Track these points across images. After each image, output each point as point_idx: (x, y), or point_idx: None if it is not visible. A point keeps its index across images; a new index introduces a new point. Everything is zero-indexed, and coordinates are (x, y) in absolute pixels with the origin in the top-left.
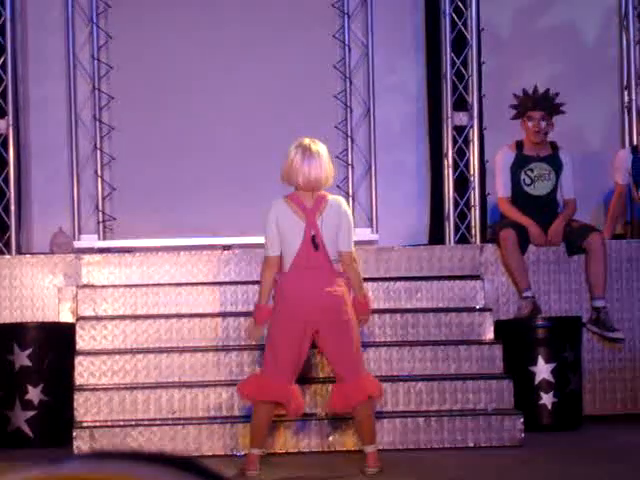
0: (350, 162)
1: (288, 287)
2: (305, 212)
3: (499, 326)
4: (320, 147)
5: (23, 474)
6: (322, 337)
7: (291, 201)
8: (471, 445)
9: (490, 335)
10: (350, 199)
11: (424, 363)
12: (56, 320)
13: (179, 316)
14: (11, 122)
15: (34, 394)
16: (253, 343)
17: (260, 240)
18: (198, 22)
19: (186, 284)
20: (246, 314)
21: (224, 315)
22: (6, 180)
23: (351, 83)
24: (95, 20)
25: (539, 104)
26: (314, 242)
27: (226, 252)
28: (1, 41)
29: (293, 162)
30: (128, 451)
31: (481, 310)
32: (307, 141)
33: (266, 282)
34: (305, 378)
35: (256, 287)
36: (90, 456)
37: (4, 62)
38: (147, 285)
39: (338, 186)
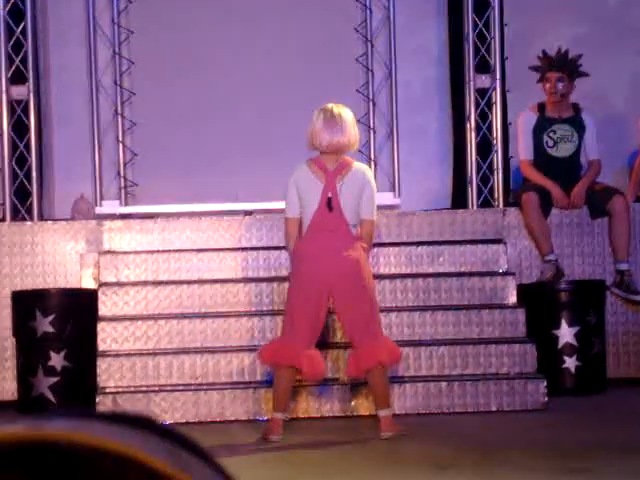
0: (372, 126)
1: (303, 250)
2: (326, 174)
3: (522, 290)
4: (344, 111)
5: (4, 427)
6: (337, 301)
7: (313, 164)
8: (494, 409)
9: (513, 299)
10: (372, 163)
11: (446, 327)
12: (78, 286)
13: (201, 282)
14: (32, 88)
15: (57, 360)
16: None
17: (282, 205)
18: None
19: (208, 250)
20: (268, 279)
21: (246, 281)
22: (27, 146)
23: (372, 46)
24: None
25: (555, 65)
26: (329, 204)
27: (248, 217)
28: (20, 6)
29: (316, 126)
30: (120, 414)
31: (504, 274)
32: (330, 105)
33: (290, 246)
34: (326, 343)
35: (278, 252)
36: (77, 415)
37: (24, 27)
38: (169, 251)
39: (360, 150)
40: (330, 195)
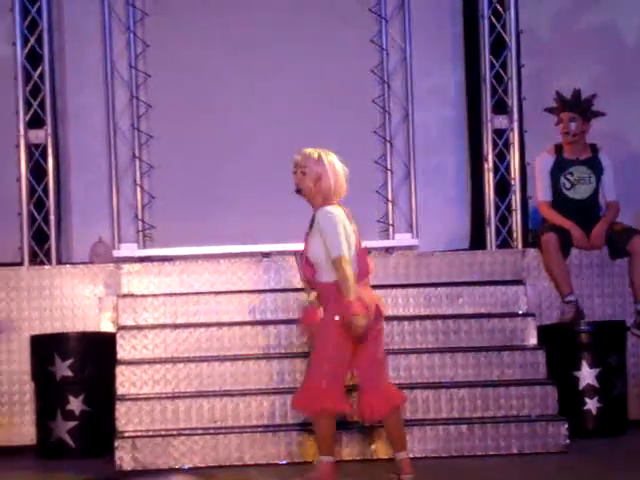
0: (389, 167)
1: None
2: (352, 224)
3: (542, 331)
4: None
5: None
6: (354, 345)
7: (344, 210)
8: (515, 452)
9: (533, 340)
10: (390, 204)
11: (466, 369)
12: (97, 330)
13: (219, 324)
14: (50, 132)
15: (75, 404)
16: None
17: (298, 247)
18: (234, 29)
19: (226, 292)
20: (286, 322)
21: (264, 323)
22: (45, 190)
23: (389, 87)
24: (132, 28)
25: (568, 106)
26: (365, 258)
27: (266, 259)
28: (39, 51)
29: (341, 173)
30: None
31: (524, 315)
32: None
33: (354, 287)
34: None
35: (295, 294)
36: None
37: (42, 72)
38: (187, 294)
39: (377, 191)
40: (363, 245)
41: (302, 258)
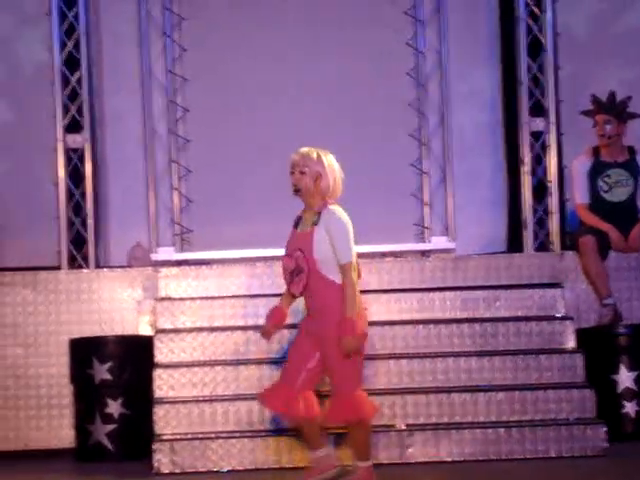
0: (425, 170)
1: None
2: None
3: (580, 334)
4: None
5: None
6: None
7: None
8: (553, 455)
9: (571, 343)
10: (426, 207)
11: (504, 373)
12: (135, 333)
13: (256, 327)
14: (87, 136)
15: (114, 408)
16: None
17: None
18: (270, 33)
19: (263, 295)
20: None
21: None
22: (83, 194)
23: (425, 90)
24: (169, 32)
25: (603, 108)
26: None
27: None
28: (76, 55)
29: (339, 174)
30: None
31: (562, 318)
32: None
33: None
34: (381, 390)
35: None
36: None
37: (80, 76)
38: (224, 297)
39: (413, 194)
40: None
41: (297, 254)
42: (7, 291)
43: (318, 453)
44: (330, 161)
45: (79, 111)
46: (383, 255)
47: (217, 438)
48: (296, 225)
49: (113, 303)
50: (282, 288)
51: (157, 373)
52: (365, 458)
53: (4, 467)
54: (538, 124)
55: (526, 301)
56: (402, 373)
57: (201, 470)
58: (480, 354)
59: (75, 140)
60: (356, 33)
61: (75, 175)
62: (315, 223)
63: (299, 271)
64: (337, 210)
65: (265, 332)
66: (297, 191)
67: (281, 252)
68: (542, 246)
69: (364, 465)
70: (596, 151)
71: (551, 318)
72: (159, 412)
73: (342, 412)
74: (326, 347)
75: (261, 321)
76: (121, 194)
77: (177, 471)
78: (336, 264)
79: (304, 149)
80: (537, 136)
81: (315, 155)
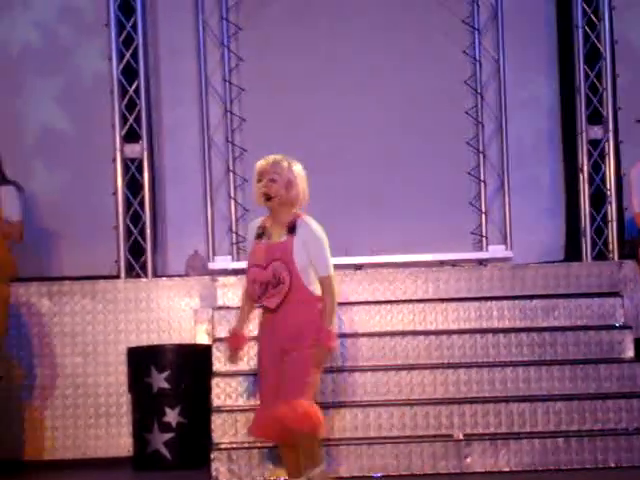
0: (482, 178)
1: None
2: None
3: (639, 344)
4: None
5: None
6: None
7: None
8: (612, 465)
9: (630, 353)
10: (483, 215)
11: (563, 382)
12: (192, 342)
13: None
14: (145, 146)
15: (172, 416)
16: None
17: (390, 259)
18: (326, 42)
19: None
20: (381, 334)
21: (355, 336)
22: (141, 204)
23: (482, 98)
24: (226, 43)
25: None
26: None
27: (358, 272)
28: (134, 66)
29: (305, 181)
30: None
31: (621, 328)
32: None
33: None
34: (439, 399)
35: (389, 306)
36: None
37: (137, 86)
38: None
39: (471, 203)
40: None
41: (276, 265)
42: (66, 300)
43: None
44: (299, 169)
45: (137, 121)
46: (440, 264)
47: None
48: (260, 236)
49: (171, 312)
50: (337, 297)
51: (215, 382)
52: (316, 464)
53: (63, 476)
54: (596, 132)
55: (585, 310)
56: (460, 382)
57: (259, 479)
58: (538, 364)
59: (133, 150)
60: (413, 41)
61: (133, 185)
62: (291, 233)
63: (277, 283)
64: (313, 221)
65: (232, 360)
66: (268, 199)
67: (337, 260)
68: (600, 255)
69: (318, 470)
70: None
71: (610, 327)
72: (217, 421)
73: (296, 421)
74: (293, 355)
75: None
76: (178, 203)
77: None
78: (312, 275)
79: (272, 156)
80: (595, 144)
81: (285, 163)
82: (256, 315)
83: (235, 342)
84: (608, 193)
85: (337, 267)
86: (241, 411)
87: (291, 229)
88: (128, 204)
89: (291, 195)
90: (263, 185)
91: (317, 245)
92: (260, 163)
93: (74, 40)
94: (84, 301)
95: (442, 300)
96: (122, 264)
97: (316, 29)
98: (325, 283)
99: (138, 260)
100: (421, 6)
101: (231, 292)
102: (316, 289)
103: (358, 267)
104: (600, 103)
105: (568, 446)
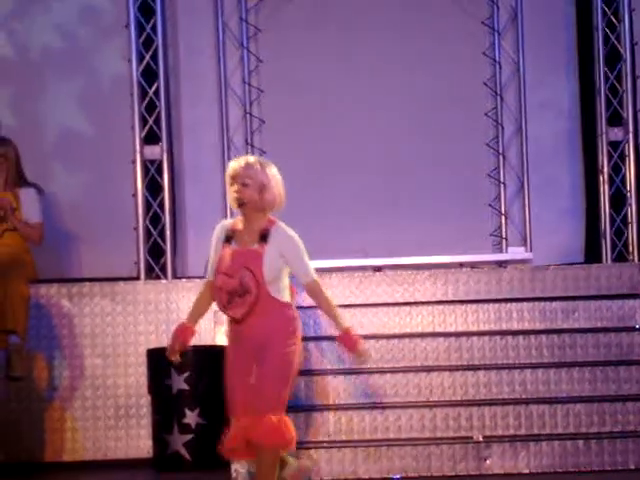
0: (502, 180)
1: None
2: None
3: None
4: None
5: None
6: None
7: None
8: (632, 467)
9: None
10: (503, 217)
11: (582, 384)
12: (212, 343)
13: (331, 338)
14: (165, 147)
15: (191, 418)
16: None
17: (409, 260)
18: (345, 44)
19: (338, 306)
20: (400, 336)
21: (377, 337)
22: (161, 205)
23: (502, 100)
24: (246, 44)
25: None
26: None
27: (378, 273)
28: (154, 67)
29: (281, 185)
30: None
31: None
32: None
33: None
34: (459, 401)
35: (408, 309)
36: None
37: (157, 88)
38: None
39: (490, 204)
40: None
41: (244, 273)
42: (86, 302)
43: None
44: (274, 172)
45: (157, 122)
46: (460, 265)
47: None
48: (228, 239)
49: None
50: (357, 298)
51: None
52: None
53: (83, 477)
54: (616, 134)
55: (605, 312)
56: (479, 384)
57: None
58: (558, 365)
59: (153, 151)
60: (433, 43)
61: (153, 186)
62: (264, 241)
63: (244, 292)
64: (287, 228)
65: (172, 351)
66: (241, 205)
67: (356, 262)
68: (620, 256)
69: None
70: None
71: (630, 329)
72: None
73: (263, 436)
74: (265, 367)
75: (331, 331)
76: (198, 205)
77: None
78: (282, 284)
79: (245, 158)
80: (615, 146)
81: (259, 166)
82: (207, 312)
83: (182, 334)
84: (628, 195)
85: (356, 269)
86: None
87: (264, 237)
88: (148, 205)
89: (265, 200)
90: (235, 190)
91: (296, 252)
92: (232, 165)
93: (94, 42)
94: (104, 302)
95: (462, 302)
96: (142, 265)
97: (334, 31)
98: (314, 289)
99: (158, 261)
100: (440, 7)
101: None
102: (285, 296)
103: (377, 269)
104: (620, 105)
105: (588, 448)
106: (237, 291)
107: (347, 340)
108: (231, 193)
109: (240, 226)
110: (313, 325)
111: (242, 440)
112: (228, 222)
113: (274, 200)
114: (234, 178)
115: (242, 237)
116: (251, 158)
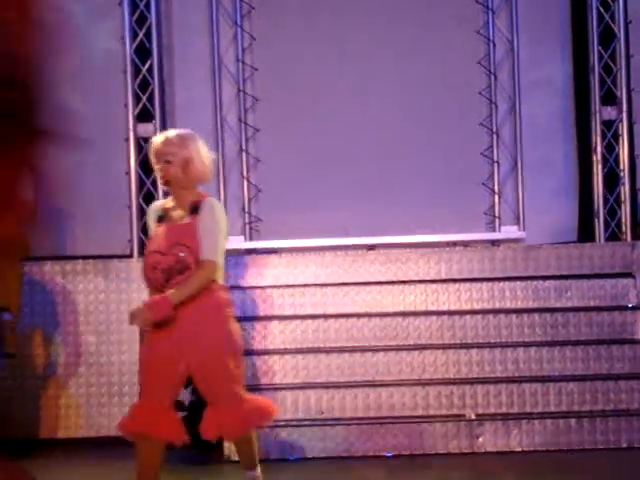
0: (496, 159)
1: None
2: None
3: None
4: None
5: None
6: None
7: None
8: (624, 446)
9: None
10: (496, 196)
11: (575, 363)
12: None
13: (325, 316)
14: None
15: (185, 395)
16: None
17: (403, 239)
18: (340, 22)
19: (332, 284)
20: (392, 314)
21: (370, 315)
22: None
23: (496, 79)
24: (239, 22)
25: None
26: None
27: (371, 252)
28: (147, 45)
29: (208, 157)
30: None
31: (633, 308)
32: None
33: None
34: (451, 379)
35: (402, 287)
36: None
37: (150, 66)
38: (293, 286)
39: (483, 183)
40: None
41: (180, 249)
42: (79, 279)
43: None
44: (197, 143)
45: (150, 100)
46: (453, 244)
47: (286, 426)
48: (161, 219)
49: None
50: (350, 277)
51: None
52: (257, 464)
53: (75, 454)
54: (610, 113)
55: (597, 291)
56: (472, 363)
57: (272, 458)
58: (551, 344)
59: (146, 129)
60: (426, 22)
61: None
62: (195, 213)
63: (183, 269)
64: (217, 204)
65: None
66: (167, 183)
67: (349, 241)
68: (613, 236)
69: (258, 473)
70: None
71: (623, 308)
72: None
73: (246, 420)
74: (206, 355)
75: (330, 310)
76: None
77: None
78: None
79: (165, 134)
80: (609, 125)
81: (178, 140)
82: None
83: (159, 309)
84: (621, 174)
85: (350, 247)
86: (252, 390)
87: (194, 209)
88: (141, 183)
89: (190, 174)
90: (159, 169)
91: (210, 227)
92: (154, 143)
93: (86, 19)
94: (97, 280)
95: (454, 281)
96: (135, 243)
97: (328, 9)
98: (206, 267)
99: None
100: None
101: (243, 272)
102: (220, 277)
103: (370, 247)
104: (614, 84)
105: (580, 427)
106: (174, 268)
107: (157, 302)
108: (156, 172)
109: (171, 204)
110: (303, 305)
111: (147, 424)
112: (159, 203)
113: (200, 174)
114: (157, 157)
115: (173, 214)
116: (171, 133)
